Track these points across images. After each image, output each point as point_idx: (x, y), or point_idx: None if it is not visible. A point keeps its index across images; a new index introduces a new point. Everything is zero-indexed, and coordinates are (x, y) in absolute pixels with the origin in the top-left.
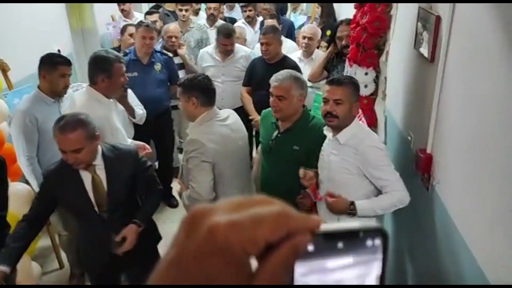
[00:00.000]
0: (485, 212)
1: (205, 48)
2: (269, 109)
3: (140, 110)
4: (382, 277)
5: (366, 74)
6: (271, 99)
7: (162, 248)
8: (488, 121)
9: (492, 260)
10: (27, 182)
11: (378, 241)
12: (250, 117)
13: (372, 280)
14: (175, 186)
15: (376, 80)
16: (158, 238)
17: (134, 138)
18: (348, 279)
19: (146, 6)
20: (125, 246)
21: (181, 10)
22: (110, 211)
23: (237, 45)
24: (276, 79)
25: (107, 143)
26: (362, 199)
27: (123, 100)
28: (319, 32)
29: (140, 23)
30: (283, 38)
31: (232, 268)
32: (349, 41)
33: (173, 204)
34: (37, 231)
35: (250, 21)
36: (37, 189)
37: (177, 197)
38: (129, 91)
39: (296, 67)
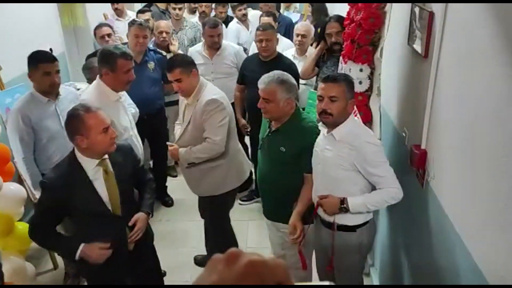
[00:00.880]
0: (480, 207)
1: (194, 47)
2: None
3: (132, 109)
4: None
5: (361, 70)
6: (260, 100)
7: (156, 247)
8: (482, 117)
9: (488, 255)
10: (20, 182)
11: None
12: (240, 124)
13: None
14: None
15: (371, 77)
16: (153, 236)
17: None
18: None
19: (138, 5)
20: (136, 234)
21: (174, 9)
22: (122, 209)
23: (225, 42)
24: (262, 81)
25: None
26: (357, 194)
27: None
28: (313, 29)
29: (133, 22)
30: (278, 36)
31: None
32: (344, 37)
33: (168, 203)
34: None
35: (245, 20)
36: (32, 189)
37: (172, 196)
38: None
39: (291, 65)
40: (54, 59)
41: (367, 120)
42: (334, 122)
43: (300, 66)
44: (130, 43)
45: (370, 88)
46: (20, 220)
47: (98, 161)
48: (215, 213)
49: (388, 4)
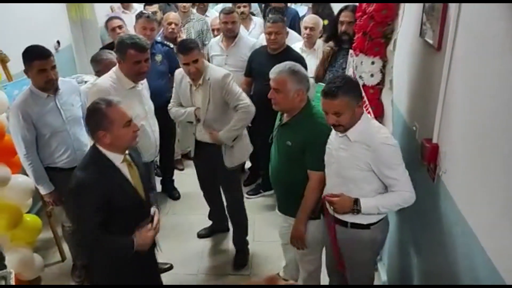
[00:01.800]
0: (494, 201)
1: (215, 38)
2: None
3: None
4: None
5: (373, 63)
6: (271, 91)
7: (163, 240)
8: (497, 110)
9: (502, 250)
10: (27, 174)
11: None
12: None
13: None
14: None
15: (383, 70)
16: None
17: None
18: None
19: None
20: (158, 224)
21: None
22: (148, 204)
23: (242, 34)
24: (273, 71)
25: None
26: (371, 194)
27: None
28: (321, 22)
29: (140, 14)
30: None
31: None
32: (355, 30)
33: (175, 196)
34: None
35: (244, 18)
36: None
37: (179, 189)
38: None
39: (299, 58)
40: (48, 55)
41: (379, 114)
42: (346, 129)
43: (308, 59)
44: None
45: (382, 82)
46: (28, 212)
47: (123, 156)
48: (238, 184)
49: None
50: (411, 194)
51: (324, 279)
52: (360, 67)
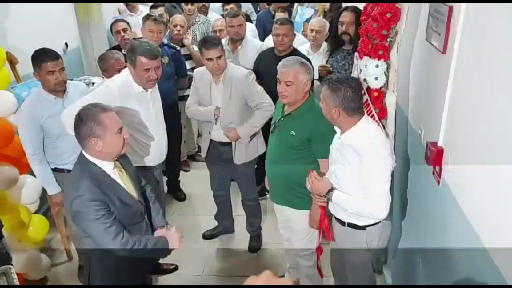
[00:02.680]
0: (500, 205)
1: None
2: None
3: None
4: None
5: (377, 66)
6: (279, 85)
7: None
8: (502, 114)
9: (508, 255)
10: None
11: None
12: None
13: None
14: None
15: (387, 73)
16: None
17: None
18: None
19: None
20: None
21: (186, 4)
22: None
23: (249, 37)
24: (283, 65)
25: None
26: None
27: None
28: (327, 25)
29: (147, 16)
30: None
31: None
32: (360, 33)
33: (180, 197)
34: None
35: None
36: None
37: (184, 190)
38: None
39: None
40: (57, 57)
41: (382, 116)
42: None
43: (314, 61)
44: (145, 37)
45: (386, 84)
46: (36, 212)
47: (113, 163)
48: (253, 177)
49: None
50: (378, 211)
51: (330, 281)
52: (364, 70)
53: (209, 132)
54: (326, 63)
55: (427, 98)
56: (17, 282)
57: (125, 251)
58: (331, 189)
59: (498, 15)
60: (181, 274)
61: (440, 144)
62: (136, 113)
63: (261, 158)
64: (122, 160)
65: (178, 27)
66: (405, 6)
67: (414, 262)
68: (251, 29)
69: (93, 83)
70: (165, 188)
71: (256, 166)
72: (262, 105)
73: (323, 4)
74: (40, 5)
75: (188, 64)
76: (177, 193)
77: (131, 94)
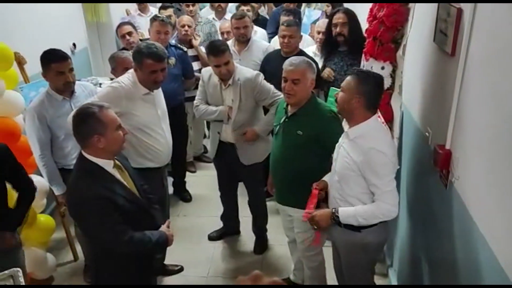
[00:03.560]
0: (508, 209)
1: (228, 41)
2: None
3: None
4: None
5: (383, 68)
6: (285, 84)
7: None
8: (511, 116)
9: None
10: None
11: None
12: None
13: None
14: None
15: (393, 75)
16: None
17: None
18: None
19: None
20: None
21: (188, 6)
22: (148, 205)
23: (255, 38)
24: (290, 63)
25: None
26: (358, 196)
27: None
28: None
29: (155, 18)
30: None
31: None
32: (366, 34)
33: (186, 198)
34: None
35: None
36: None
37: (190, 191)
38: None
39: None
40: (66, 58)
41: (389, 118)
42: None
43: (320, 62)
44: (152, 38)
45: (392, 86)
46: (42, 212)
47: (112, 162)
48: (260, 178)
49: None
50: (391, 207)
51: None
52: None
53: (218, 133)
54: (324, 67)
55: (435, 100)
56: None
57: (130, 247)
58: (334, 211)
59: (507, 17)
60: (186, 275)
61: (447, 147)
62: (142, 114)
63: (266, 160)
64: (121, 160)
65: (186, 27)
66: (411, 8)
67: (420, 265)
68: (262, 33)
69: (100, 84)
70: (171, 189)
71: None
72: (276, 101)
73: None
74: (48, 5)
75: (196, 65)
76: (183, 194)
77: (137, 95)
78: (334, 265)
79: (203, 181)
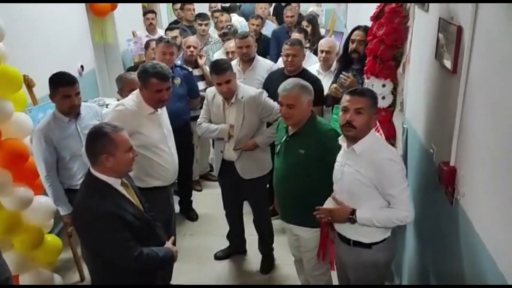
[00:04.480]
0: None
1: (233, 61)
2: None
3: None
4: None
5: (384, 86)
6: (281, 108)
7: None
8: None
9: None
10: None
11: None
12: None
13: None
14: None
15: (394, 92)
16: None
17: None
18: None
19: (166, 21)
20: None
21: (200, 24)
22: (155, 223)
23: (259, 57)
24: (284, 88)
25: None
26: (373, 209)
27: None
28: (337, 45)
29: (160, 39)
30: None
31: None
32: (366, 53)
33: (192, 217)
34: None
35: (204, 35)
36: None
37: (196, 210)
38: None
39: (316, 81)
40: (73, 82)
41: (391, 135)
42: (355, 135)
43: (324, 81)
44: (157, 59)
45: (393, 104)
46: (50, 232)
47: (120, 180)
48: (264, 195)
49: (411, 19)
50: (408, 213)
51: None
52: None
53: (221, 151)
54: (336, 82)
55: (439, 117)
56: None
57: (139, 263)
58: (353, 211)
59: (507, 34)
60: None
61: (452, 163)
62: (148, 132)
63: (270, 178)
64: (126, 177)
65: (192, 48)
66: (410, 27)
67: (428, 282)
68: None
69: (107, 105)
70: (177, 208)
71: (268, 186)
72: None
73: (332, 20)
74: (57, 28)
75: (202, 85)
76: (189, 214)
77: (142, 115)
78: (339, 283)
79: (209, 200)
